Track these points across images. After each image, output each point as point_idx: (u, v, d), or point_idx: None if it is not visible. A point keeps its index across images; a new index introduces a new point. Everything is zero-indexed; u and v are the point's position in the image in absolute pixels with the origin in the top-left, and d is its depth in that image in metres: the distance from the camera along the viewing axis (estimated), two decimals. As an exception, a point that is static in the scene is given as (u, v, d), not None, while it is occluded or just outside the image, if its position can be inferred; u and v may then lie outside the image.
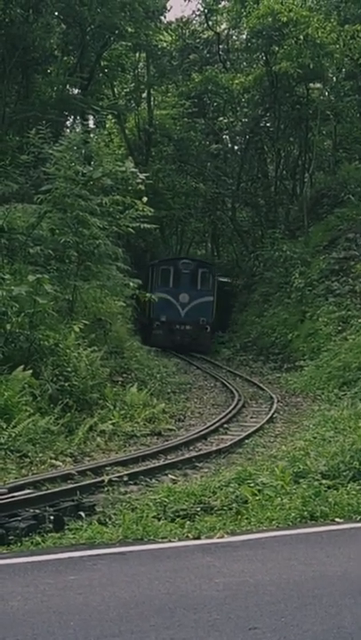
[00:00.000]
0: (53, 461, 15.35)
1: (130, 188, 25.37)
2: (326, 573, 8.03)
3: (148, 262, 46.42)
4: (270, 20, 39.85)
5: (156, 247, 51.15)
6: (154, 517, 10.33)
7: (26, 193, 25.74)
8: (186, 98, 48.78)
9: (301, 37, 38.67)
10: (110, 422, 18.78)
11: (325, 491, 11.47)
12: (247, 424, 21.04)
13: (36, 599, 6.98)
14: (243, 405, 23.90)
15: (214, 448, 17.58)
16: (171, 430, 20.24)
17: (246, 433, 19.32)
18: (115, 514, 10.97)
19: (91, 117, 38.01)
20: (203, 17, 51.57)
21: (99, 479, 13.46)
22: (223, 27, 51.84)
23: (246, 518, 10.45)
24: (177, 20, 51.58)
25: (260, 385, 28.91)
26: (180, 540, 9.37)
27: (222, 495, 11.64)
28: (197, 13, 51.95)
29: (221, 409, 23.64)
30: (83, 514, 11.11)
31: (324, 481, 12.07)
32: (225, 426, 20.68)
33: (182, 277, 41.46)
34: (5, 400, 16.22)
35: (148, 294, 28.56)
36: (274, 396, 25.84)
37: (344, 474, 12.73)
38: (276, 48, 41.07)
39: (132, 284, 25.99)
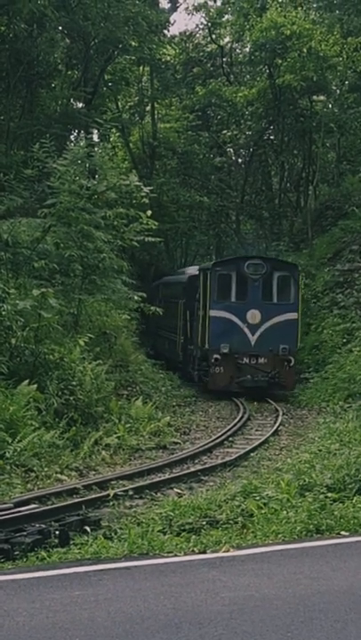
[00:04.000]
0: (59, 476, 15.35)
1: (134, 201, 25.41)
2: (332, 588, 8.01)
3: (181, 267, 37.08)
4: (273, 33, 39.95)
5: (161, 260, 51.16)
6: (159, 531, 10.32)
7: (30, 207, 25.79)
8: (190, 111, 48.89)
9: (305, 50, 38.76)
10: (115, 436, 18.79)
11: (331, 504, 11.44)
12: (252, 437, 21.03)
13: (41, 615, 6.97)
14: (248, 418, 23.88)
15: (220, 461, 17.58)
16: (176, 444, 20.24)
17: (252, 446, 19.32)
18: (120, 528, 10.97)
19: (95, 131, 38.07)
20: (206, 30, 51.73)
21: (104, 493, 13.48)
22: (227, 40, 51.99)
23: (252, 532, 10.43)
24: (181, 33, 51.77)
25: (265, 397, 28.89)
26: (185, 554, 9.35)
27: (228, 509, 11.63)
28: (201, 27, 52.12)
29: (226, 422, 23.63)
30: (88, 528, 11.12)
31: (329, 494, 12.04)
32: (230, 439, 20.67)
33: (250, 286, 29.09)
34: (11, 414, 16.23)
35: (152, 307, 27.02)
36: (279, 408, 25.82)
37: (350, 487, 12.70)
38: (280, 61, 41.17)
39: (136, 297, 26.01)
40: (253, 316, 28.74)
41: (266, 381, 28.26)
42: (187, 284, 33.62)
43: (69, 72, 40.07)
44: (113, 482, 14.76)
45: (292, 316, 29.03)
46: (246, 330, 28.68)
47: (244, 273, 29.18)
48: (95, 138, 39.08)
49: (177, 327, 34.61)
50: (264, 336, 28.57)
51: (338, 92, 44.13)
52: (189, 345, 32.77)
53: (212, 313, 28.78)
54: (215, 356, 28.36)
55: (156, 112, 49.48)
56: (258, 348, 28.54)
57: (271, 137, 50.62)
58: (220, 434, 21.14)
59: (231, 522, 11.06)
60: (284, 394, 28.66)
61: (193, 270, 35.22)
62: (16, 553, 10.08)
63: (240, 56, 52.08)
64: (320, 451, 16.96)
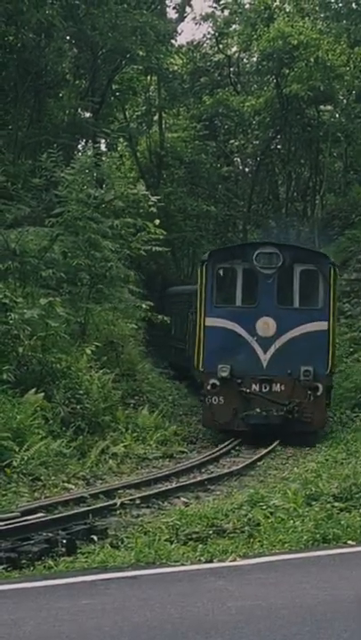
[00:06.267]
0: (66, 484, 15.37)
1: (141, 210, 25.47)
2: (339, 597, 8.00)
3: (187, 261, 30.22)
4: (281, 42, 40.01)
5: (168, 269, 51.20)
6: (166, 541, 10.33)
7: (38, 216, 25.84)
8: (197, 121, 48.95)
9: (312, 60, 38.85)
10: (122, 445, 18.81)
11: (338, 513, 11.45)
12: (259, 446, 20.98)
13: (48, 624, 6.98)
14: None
15: (226, 470, 17.58)
16: (183, 453, 20.24)
17: (258, 455, 19.28)
18: (127, 537, 10.98)
19: (102, 140, 38.15)
20: (214, 40, 51.79)
21: (111, 502, 13.48)
22: (234, 50, 52.04)
23: (259, 541, 10.43)
24: (188, 43, 51.79)
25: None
26: (192, 563, 9.36)
27: (235, 518, 11.64)
28: (208, 37, 52.18)
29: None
30: (95, 537, 11.12)
31: (336, 503, 12.06)
32: (237, 448, 20.65)
33: (261, 284, 22.14)
34: (18, 423, 16.26)
35: (160, 316, 26.28)
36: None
37: (356, 496, 12.72)
38: (287, 71, 41.25)
39: (143, 306, 26.04)
40: (266, 325, 21.79)
41: (282, 417, 21.19)
42: (194, 294, 31.40)
43: (77, 82, 40.13)
44: (120, 491, 14.78)
45: (321, 325, 21.89)
46: (256, 345, 21.72)
47: (254, 266, 22.17)
48: (103, 147, 39.20)
49: (185, 336, 34.40)
50: (280, 354, 21.63)
51: (345, 101, 44.18)
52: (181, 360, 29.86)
53: (209, 322, 21.92)
54: (212, 381, 21.40)
55: (163, 121, 49.55)
56: (272, 371, 21.58)
57: (278, 146, 50.66)
58: (226, 443, 21.11)
59: (238, 531, 11.06)
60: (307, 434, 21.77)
61: None
62: (23, 562, 10.09)
63: (247, 66, 52.14)
64: (327, 460, 17.00)
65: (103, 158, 28.69)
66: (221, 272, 22.87)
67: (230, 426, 21.54)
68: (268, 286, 22.05)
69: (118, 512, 12.76)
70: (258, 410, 21.23)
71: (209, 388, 21.51)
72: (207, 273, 22.27)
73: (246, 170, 54.60)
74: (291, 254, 22.58)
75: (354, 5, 41.97)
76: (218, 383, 21.47)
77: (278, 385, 21.48)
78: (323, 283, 22.30)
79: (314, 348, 21.71)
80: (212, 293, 22.24)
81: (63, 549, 10.56)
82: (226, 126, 52.26)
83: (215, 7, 49.97)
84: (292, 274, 22.27)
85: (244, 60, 52.47)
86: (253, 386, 21.43)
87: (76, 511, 12.81)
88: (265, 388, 21.50)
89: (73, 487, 15.38)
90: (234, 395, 21.41)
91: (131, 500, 13.79)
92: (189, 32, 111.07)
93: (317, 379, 21.50)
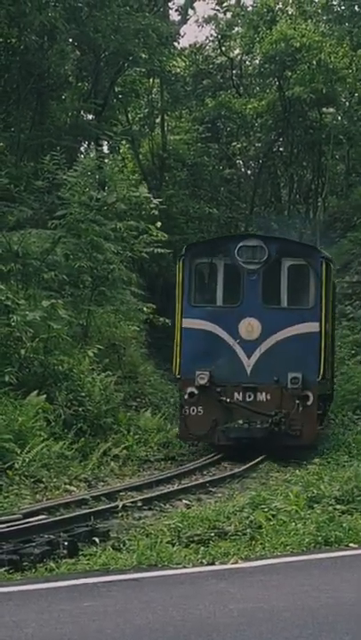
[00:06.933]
0: (67, 486, 15.38)
1: (144, 213, 25.47)
2: (341, 599, 8.01)
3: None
4: (283, 45, 40.08)
5: (170, 272, 51.22)
6: (168, 543, 10.33)
7: (40, 218, 25.86)
8: (199, 123, 48.97)
9: (314, 62, 38.93)
10: (124, 447, 18.81)
11: (340, 516, 11.46)
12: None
13: (50, 626, 6.98)
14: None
15: (228, 473, 17.54)
16: (184, 455, 20.23)
17: (260, 457, 19.22)
18: (129, 539, 10.97)
19: (105, 143, 38.21)
20: (216, 43, 51.84)
21: (113, 504, 13.47)
22: (236, 52, 52.07)
23: (260, 544, 10.43)
24: (190, 45, 51.84)
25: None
26: (194, 565, 9.36)
27: (236, 520, 11.63)
28: (211, 39, 52.22)
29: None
30: (97, 539, 11.11)
31: (338, 506, 12.07)
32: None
33: (245, 281, 20.03)
34: (20, 425, 16.27)
35: (162, 318, 26.08)
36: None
37: (358, 499, 12.73)
38: (289, 73, 41.29)
39: (145, 308, 26.05)
40: (250, 327, 19.76)
41: (266, 430, 19.07)
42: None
43: (80, 84, 40.16)
44: (122, 493, 14.77)
45: (312, 327, 19.76)
46: (238, 349, 19.69)
47: (236, 261, 20.05)
48: (105, 149, 39.25)
49: None
50: (266, 359, 19.57)
51: (347, 104, 44.25)
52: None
53: (186, 323, 19.97)
54: (189, 389, 19.44)
55: (165, 124, 49.58)
56: (256, 378, 19.51)
57: (280, 149, 50.70)
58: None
59: (240, 533, 11.06)
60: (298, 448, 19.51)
61: None
62: (25, 564, 10.09)
63: (250, 68, 52.17)
64: (328, 462, 16.99)
65: (106, 161, 28.70)
66: (200, 268, 20.73)
67: (210, 439, 19.60)
68: (252, 283, 19.92)
69: (120, 514, 12.76)
70: (240, 422, 19.10)
71: (186, 397, 19.47)
72: (184, 269, 20.18)
73: (248, 172, 54.62)
74: (277, 247, 20.31)
75: (356, 8, 42.07)
76: (196, 392, 19.39)
77: (264, 394, 19.37)
78: (314, 279, 20.06)
79: (304, 353, 19.51)
80: (190, 292, 20.25)
81: (65, 551, 10.56)
82: (228, 129, 52.28)
83: (218, 10, 50.04)
84: (279, 269, 20.05)
85: (247, 62, 52.50)
86: (236, 394, 19.33)
87: (77, 513, 12.81)
88: (249, 396, 19.39)
89: (75, 489, 15.38)
90: (214, 405, 19.29)
91: (132, 502, 13.79)
92: (192, 34, 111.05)
93: (307, 386, 19.26)
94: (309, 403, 19.31)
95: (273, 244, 20.40)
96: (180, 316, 20.09)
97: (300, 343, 19.58)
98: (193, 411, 19.41)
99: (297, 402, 19.17)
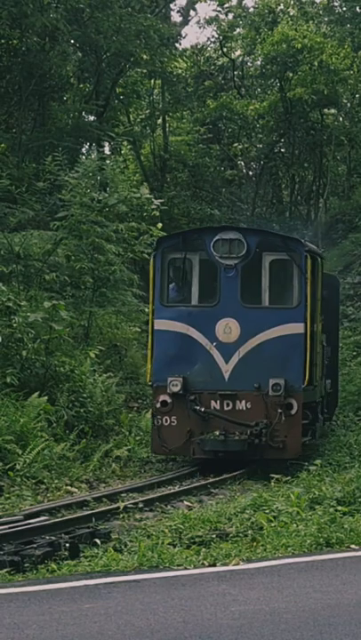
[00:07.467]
0: (69, 488, 15.39)
1: (145, 214, 25.47)
2: (342, 601, 8.00)
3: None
4: (285, 46, 40.09)
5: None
6: (169, 544, 10.35)
7: (42, 220, 25.86)
8: (201, 124, 48.98)
9: (316, 64, 38.92)
10: (126, 448, 18.79)
11: (341, 517, 11.46)
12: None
13: (51, 628, 6.98)
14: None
15: (228, 475, 17.49)
16: (186, 456, 20.21)
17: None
18: (130, 541, 10.99)
19: (106, 144, 38.19)
20: (217, 44, 51.84)
21: (114, 506, 13.47)
22: (238, 53, 52.05)
23: (262, 545, 10.44)
24: (192, 46, 51.80)
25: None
26: (195, 567, 9.37)
27: (238, 522, 11.65)
28: (212, 40, 52.23)
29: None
30: (98, 541, 11.12)
31: (339, 507, 12.07)
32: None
33: (222, 278, 18.15)
34: (21, 426, 16.29)
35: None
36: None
37: (360, 500, 12.73)
38: (291, 74, 41.31)
39: (147, 309, 26.04)
40: (228, 329, 17.91)
41: (245, 442, 17.24)
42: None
43: (81, 85, 40.18)
44: (123, 494, 14.77)
45: (296, 328, 17.89)
46: (215, 353, 17.88)
47: (212, 256, 18.20)
48: (107, 151, 39.25)
49: None
50: (246, 364, 17.79)
51: (349, 105, 44.26)
52: None
53: (158, 324, 18.29)
54: (162, 397, 17.78)
55: (167, 125, 49.61)
56: (235, 385, 17.71)
57: (282, 150, 50.69)
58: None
59: (241, 535, 11.07)
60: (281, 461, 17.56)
61: None
62: (26, 565, 10.10)
63: (251, 69, 52.18)
64: (330, 464, 16.97)
65: (107, 162, 28.70)
66: (173, 264, 18.81)
67: (184, 452, 18.01)
68: (229, 281, 18.03)
69: (121, 516, 12.77)
70: (216, 433, 17.28)
71: (158, 405, 17.81)
72: (155, 265, 18.39)
73: (250, 173, 54.65)
74: (258, 241, 18.35)
75: (358, 9, 42.06)
76: (169, 400, 17.70)
77: (243, 402, 17.59)
78: (298, 275, 18.12)
79: (287, 356, 17.80)
80: (162, 290, 18.47)
81: (66, 553, 10.59)
82: (230, 130, 52.30)
83: (219, 11, 50.00)
84: (259, 265, 18.18)
85: (248, 63, 52.52)
86: (213, 403, 17.59)
87: (79, 515, 12.83)
88: (227, 405, 17.60)
89: (76, 490, 15.40)
90: (188, 414, 17.61)
91: (134, 503, 13.80)
92: (193, 35, 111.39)
93: (291, 394, 17.50)
94: (293, 411, 17.54)
95: (252, 237, 18.46)
96: (151, 316, 18.60)
97: (283, 346, 17.85)
98: (166, 421, 17.75)
99: (279, 411, 17.41)
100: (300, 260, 18.07)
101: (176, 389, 17.51)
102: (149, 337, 18.42)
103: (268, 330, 17.87)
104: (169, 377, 17.61)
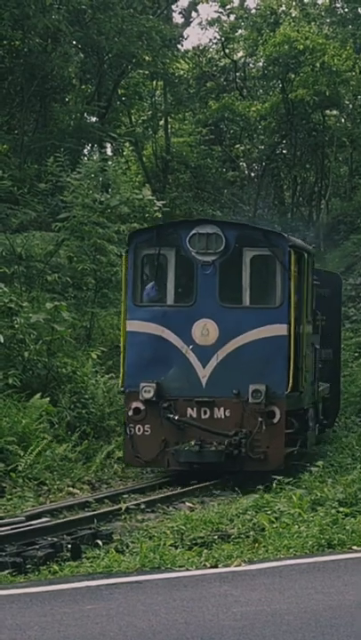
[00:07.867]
0: (71, 489, 15.39)
1: (147, 215, 25.48)
2: (344, 602, 8.00)
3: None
4: (287, 47, 40.10)
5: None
6: (171, 545, 10.35)
7: (44, 221, 25.88)
8: (203, 125, 48.98)
9: (318, 65, 38.94)
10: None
11: (343, 518, 11.46)
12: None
13: (53, 629, 6.99)
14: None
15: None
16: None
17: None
18: (132, 542, 11.00)
19: (108, 145, 38.21)
20: (220, 45, 51.85)
21: (116, 507, 13.48)
22: (240, 54, 52.07)
23: (264, 546, 10.44)
24: (194, 48, 51.81)
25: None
26: (197, 568, 9.36)
27: (239, 523, 11.65)
28: (214, 41, 52.23)
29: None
30: (100, 542, 11.12)
31: (341, 509, 12.06)
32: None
33: (199, 275, 16.80)
34: (23, 427, 16.28)
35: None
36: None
37: (362, 501, 12.73)
38: (293, 75, 41.32)
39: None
40: (205, 331, 16.51)
41: (222, 453, 16.01)
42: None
43: (83, 86, 40.21)
44: (125, 495, 14.78)
45: (279, 330, 16.49)
46: (192, 356, 16.56)
47: (188, 252, 16.87)
48: (109, 152, 39.27)
49: None
50: (225, 368, 16.44)
51: (351, 106, 44.28)
52: None
53: (131, 326, 17.06)
54: (134, 405, 16.55)
55: (169, 126, 49.63)
56: (213, 391, 16.36)
57: (284, 151, 50.69)
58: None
59: (243, 536, 11.07)
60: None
61: None
62: (28, 566, 10.11)
63: (253, 70, 52.19)
64: (332, 465, 16.96)
65: (109, 163, 28.72)
66: (147, 261, 17.48)
67: (159, 463, 16.70)
68: (207, 278, 16.66)
69: (123, 517, 12.78)
70: (191, 443, 16.05)
71: (130, 413, 16.55)
72: (128, 262, 17.11)
73: (252, 174, 54.64)
74: (237, 235, 16.99)
75: (360, 10, 42.08)
76: (142, 407, 16.45)
77: (222, 409, 16.27)
78: (281, 273, 16.65)
79: (268, 360, 16.44)
80: (135, 289, 17.17)
81: (68, 554, 10.59)
82: (232, 131, 52.30)
83: (221, 12, 50.03)
84: (239, 261, 16.80)
85: (250, 64, 52.53)
86: (189, 410, 16.32)
87: (81, 516, 12.84)
88: (204, 413, 16.30)
89: (78, 492, 15.40)
90: (162, 422, 16.38)
91: (136, 504, 13.80)
92: (195, 37, 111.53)
93: (272, 401, 16.14)
94: (275, 420, 16.18)
95: (232, 232, 17.05)
96: (123, 317, 17.33)
97: (264, 349, 16.47)
98: (139, 430, 16.46)
99: (260, 419, 16.10)
100: (284, 256, 16.65)
101: (149, 396, 16.30)
102: (121, 339, 17.30)
103: (249, 332, 16.56)
104: (142, 382, 16.41)
